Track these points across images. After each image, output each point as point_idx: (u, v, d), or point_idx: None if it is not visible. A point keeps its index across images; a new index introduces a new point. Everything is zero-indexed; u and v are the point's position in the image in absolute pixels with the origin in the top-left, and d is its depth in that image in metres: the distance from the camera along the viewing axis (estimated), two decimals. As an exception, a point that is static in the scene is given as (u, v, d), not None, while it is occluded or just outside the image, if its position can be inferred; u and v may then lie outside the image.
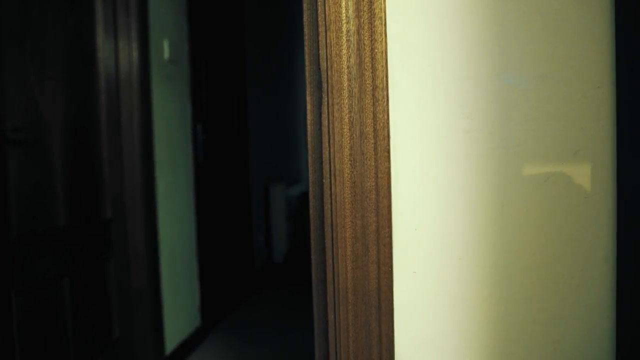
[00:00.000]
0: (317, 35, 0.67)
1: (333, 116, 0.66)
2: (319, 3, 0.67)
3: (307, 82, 0.71)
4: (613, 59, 0.63)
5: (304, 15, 0.71)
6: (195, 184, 2.52)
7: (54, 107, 1.66)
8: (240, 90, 3.32)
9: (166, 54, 2.24)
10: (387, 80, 0.65)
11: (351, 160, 0.66)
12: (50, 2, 1.64)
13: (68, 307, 1.72)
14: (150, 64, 2.10)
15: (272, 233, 3.84)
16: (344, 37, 0.65)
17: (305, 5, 0.71)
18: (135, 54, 2.03)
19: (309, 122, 0.71)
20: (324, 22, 0.66)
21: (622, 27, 0.61)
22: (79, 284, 1.77)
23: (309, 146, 0.72)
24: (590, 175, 0.64)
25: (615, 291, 0.65)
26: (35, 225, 1.56)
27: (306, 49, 0.71)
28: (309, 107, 0.71)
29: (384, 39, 0.64)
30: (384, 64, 0.64)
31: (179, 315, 2.32)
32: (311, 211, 0.72)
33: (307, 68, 0.71)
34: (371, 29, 0.65)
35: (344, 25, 0.65)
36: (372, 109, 0.65)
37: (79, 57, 1.80)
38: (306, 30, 0.71)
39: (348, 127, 0.65)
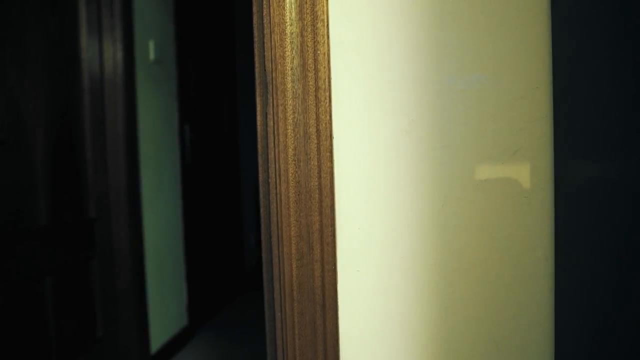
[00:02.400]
0: (263, 37, 0.69)
1: (278, 117, 0.67)
2: (265, 6, 0.68)
3: (256, 83, 0.72)
4: (550, 61, 0.64)
5: (254, 18, 0.72)
6: (183, 184, 2.53)
7: (36, 107, 1.68)
8: (230, 90, 3.33)
9: (152, 55, 2.25)
10: (329, 82, 0.66)
11: (295, 160, 0.67)
12: (30, 2, 1.65)
13: (50, 306, 1.73)
14: (135, 64, 2.11)
15: (263, 233, 3.84)
16: (287, 40, 0.66)
17: (254, 8, 0.72)
18: (119, 54, 2.04)
19: (258, 123, 0.72)
20: (269, 25, 0.67)
21: (558, 29, 0.63)
22: (61, 283, 1.78)
23: (259, 146, 0.73)
24: (530, 174, 0.65)
25: (554, 290, 0.66)
26: (16, 225, 1.57)
27: (255, 51, 0.72)
28: (258, 108, 0.72)
29: (326, 41, 0.65)
30: (327, 65, 0.66)
31: (165, 315, 2.33)
32: (261, 210, 0.73)
33: (256, 70, 0.72)
34: (314, 32, 0.66)
35: (288, 28, 0.66)
36: (315, 110, 0.66)
37: (61, 57, 1.82)
38: (255, 33, 0.72)
39: (292, 128, 0.67)
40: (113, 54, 2.04)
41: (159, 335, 2.26)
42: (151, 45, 2.25)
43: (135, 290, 2.11)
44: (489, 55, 0.64)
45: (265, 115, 0.70)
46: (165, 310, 2.33)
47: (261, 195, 0.74)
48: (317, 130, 0.66)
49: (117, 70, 2.04)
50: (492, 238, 0.66)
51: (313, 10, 0.66)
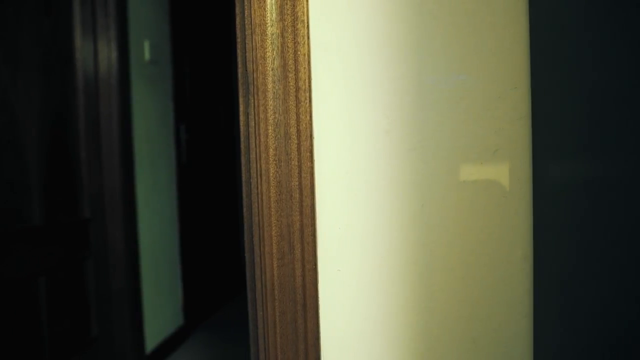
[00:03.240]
0: (245, 38, 0.69)
1: (259, 117, 0.67)
2: (246, 7, 0.68)
3: (239, 84, 0.72)
4: (528, 62, 0.64)
5: (236, 19, 0.72)
6: (179, 183, 2.54)
7: (30, 108, 1.68)
8: (227, 90, 3.34)
9: (147, 55, 2.25)
10: (310, 82, 0.66)
11: (276, 160, 0.67)
12: (24, 3, 1.65)
13: (43, 306, 1.73)
14: (130, 64, 2.12)
15: (260, 233, 3.84)
16: (268, 40, 0.67)
17: (237, 9, 0.72)
18: (114, 54, 2.05)
19: (241, 123, 0.73)
20: (250, 25, 0.67)
21: (536, 30, 0.63)
22: (55, 283, 1.79)
23: (242, 147, 0.73)
24: (509, 174, 0.65)
25: (532, 289, 0.66)
26: (9, 225, 1.57)
27: (238, 52, 0.72)
28: (241, 108, 0.72)
29: (306, 42, 0.66)
30: (307, 66, 0.66)
31: (160, 315, 2.34)
32: (244, 210, 0.74)
33: (239, 71, 0.72)
34: (294, 32, 0.66)
35: (269, 29, 0.66)
36: (295, 110, 0.66)
37: (56, 58, 1.82)
38: (238, 33, 0.72)
39: (273, 128, 0.67)
40: (107, 54, 2.04)
41: (154, 334, 2.26)
42: (146, 46, 2.25)
43: (130, 290, 2.11)
44: (468, 56, 0.65)
45: (247, 115, 0.70)
46: (160, 310, 2.34)
47: (244, 195, 0.74)
48: (298, 131, 0.66)
49: (111, 71, 2.05)
50: (471, 238, 0.66)
51: (293, 11, 0.66)
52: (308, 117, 0.66)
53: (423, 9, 0.65)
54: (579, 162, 0.61)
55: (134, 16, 2.15)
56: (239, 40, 0.73)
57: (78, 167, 1.96)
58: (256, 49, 0.67)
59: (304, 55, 0.66)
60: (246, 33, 0.69)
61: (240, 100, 0.73)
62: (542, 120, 0.63)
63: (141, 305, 2.17)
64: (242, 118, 0.73)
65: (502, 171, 0.65)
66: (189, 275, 2.61)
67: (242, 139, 0.73)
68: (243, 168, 0.73)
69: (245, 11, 0.68)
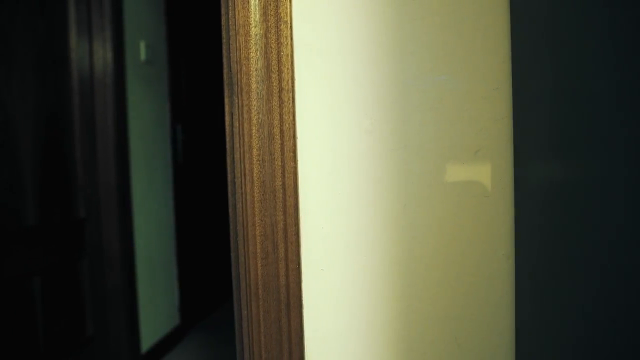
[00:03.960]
0: (229, 38, 0.69)
1: (242, 117, 0.68)
2: (230, 7, 0.68)
3: (224, 84, 0.73)
4: (510, 63, 0.64)
5: (222, 20, 0.73)
6: (175, 183, 2.54)
7: (24, 108, 1.69)
8: (223, 90, 3.34)
9: (143, 55, 2.26)
10: (293, 83, 0.67)
11: (260, 160, 0.68)
12: (19, 3, 1.66)
13: (38, 305, 1.74)
14: (126, 65, 2.12)
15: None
16: (252, 41, 0.67)
17: (222, 10, 0.72)
18: (109, 55, 2.05)
19: (227, 123, 0.73)
20: (234, 26, 0.68)
21: (517, 30, 0.63)
22: (50, 283, 1.79)
23: (227, 147, 0.74)
24: (491, 174, 0.66)
25: (514, 289, 0.66)
26: (3, 225, 1.58)
27: (224, 52, 0.73)
28: (226, 109, 0.73)
29: (289, 43, 0.66)
30: (290, 66, 0.66)
31: (156, 315, 2.34)
32: (230, 209, 0.74)
33: (224, 71, 0.73)
34: (277, 33, 0.66)
35: (252, 29, 0.67)
36: (278, 111, 0.67)
37: (51, 58, 1.82)
38: (223, 34, 0.73)
39: (256, 128, 0.67)
40: (103, 54, 2.05)
41: (149, 334, 2.27)
42: (142, 46, 2.26)
43: (126, 290, 2.12)
44: (450, 57, 0.65)
45: (231, 115, 0.70)
46: (156, 310, 2.34)
47: (229, 195, 0.75)
48: (281, 131, 0.67)
49: (107, 71, 2.05)
50: (454, 237, 0.67)
51: (276, 12, 0.66)
52: (291, 118, 0.67)
53: (405, 10, 0.65)
54: (558, 163, 0.61)
55: (130, 16, 2.16)
56: (224, 41, 0.73)
57: (73, 167, 1.97)
58: (240, 49, 0.67)
59: (287, 55, 0.66)
60: (230, 34, 0.69)
61: (226, 100, 0.73)
62: (523, 121, 0.63)
63: (137, 305, 2.18)
64: (227, 118, 0.73)
65: (484, 171, 0.66)
66: (185, 275, 2.61)
67: (227, 139, 0.74)
68: (228, 168, 0.74)
69: (230, 12, 0.69)
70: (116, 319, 2.10)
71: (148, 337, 2.25)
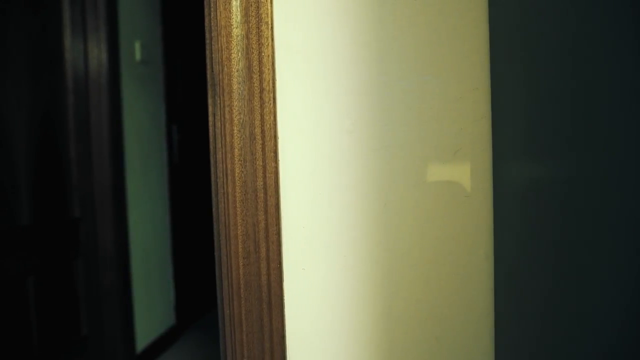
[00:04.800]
0: (212, 39, 0.70)
1: (224, 118, 0.68)
2: (212, 9, 0.69)
3: (208, 85, 0.73)
4: (489, 63, 0.65)
5: (205, 21, 0.73)
6: (170, 183, 2.55)
7: (18, 108, 1.69)
8: (221, 91, 3.34)
9: (138, 55, 2.26)
10: (274, 83, 0.67)
11: (241, 161, 0.68)
12: (11, 2, 1.66)
13: (33, 305, 1.74)
14: (121, 65, 2.12)
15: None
16: (233, 42, 0.67)
17: (205, 11, 0.73)
18: (104, 55, 2.06)
19: (210, 124, 0.74)
20: (216, 27, 0.68)
21: (495, 30, 0.64)
22: (44, 283, 1.80)
23: (210, 147, 0.74)
24: (470, 174, 0.66)
25: (494, 288, 0.67)
26: (-4, 224, 1.58)
27: (207, 53, 0.73)
28: (210, 109, 0.73)
29: (270, 44, 0.67)
30: (271, 67, 0.67)
31: (151, 314, 2.34)
32: (213, 209, 0.74)
33: (207, 72, 0.73)
34: (259, 34, 0.67)
35: (234, 30, 0.67)
36: (260, 111, 0.67)
37: (45, 58, 1.83)
38: (207, 35, 0.73)
39: (238, 129, 0.68)
40: (98, 54, 2.05)
41: (145, 334, 2.27)
42: (137, 46, 2.26)
43: (120, 290, 2.12)
44: (430, 57, 0.65)
45: (214, 116, 0.71)
46: (151, 310, 2.35)
47: (212, 195, 0.75)
48: (262, 131, 0.67)
49: (101, 71, 2.06)
50: (434, 237, 0.67)
51: (257, 13, 0.67)
52: (272, 118, 0.67)
53: (386, 11, 0.65)
54: (535, 162, 0.61)
55: (125, 16, 2.16)
56: (207, 42, 0.74)
57: (68, 167, 1.97)
58: (222, 50, 0.68)
59: (268, 56, 0.67)
60: (212, 35, 0.69)
61: (209, 101, 0.74)
62: (502, 121, 0.64)
63: (132, 304, 2.18)
64: (210, 119, 0.74)
65: (464, 171, 0.66)
66: (180, 275, 2.62)
67: (210, 140, 0.74)
68: (212, 168, 0.74)
69: (212, 13, 0.69)
70: (111, 319, 2.11)
71: (143, 337, 2.26)
